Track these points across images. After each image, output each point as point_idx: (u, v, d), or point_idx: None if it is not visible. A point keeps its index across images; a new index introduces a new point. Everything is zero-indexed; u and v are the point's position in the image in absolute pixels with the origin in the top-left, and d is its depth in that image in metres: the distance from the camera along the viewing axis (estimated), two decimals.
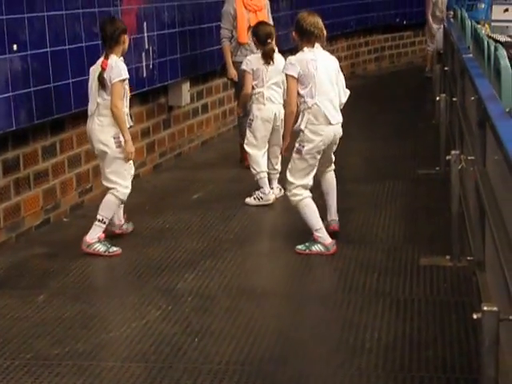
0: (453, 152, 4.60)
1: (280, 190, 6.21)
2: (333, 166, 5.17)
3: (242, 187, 6.41)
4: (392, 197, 6.14)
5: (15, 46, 5.00)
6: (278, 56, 6.07)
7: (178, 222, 5.64)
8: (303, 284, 4.42)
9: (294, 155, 4.86)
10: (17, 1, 5.03)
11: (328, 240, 4.90)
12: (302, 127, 4.78)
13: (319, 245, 4.88)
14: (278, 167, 6.18)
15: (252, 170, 6.07)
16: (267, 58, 6.00)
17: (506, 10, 9.18)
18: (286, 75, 4.82)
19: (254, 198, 6.03)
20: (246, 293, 4.29)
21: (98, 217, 4.93)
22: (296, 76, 4.75)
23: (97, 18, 5.93)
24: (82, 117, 5.97)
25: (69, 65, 5.58)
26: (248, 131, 6.10)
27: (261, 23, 6.31)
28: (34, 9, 5.20)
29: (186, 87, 7.51)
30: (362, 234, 5.24)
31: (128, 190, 5.01)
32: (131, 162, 5.03)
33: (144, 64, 6.65)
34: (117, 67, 4.82)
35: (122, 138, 4.89)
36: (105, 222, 4.94)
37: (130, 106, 6.60)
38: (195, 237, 5.31)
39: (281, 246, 5.20)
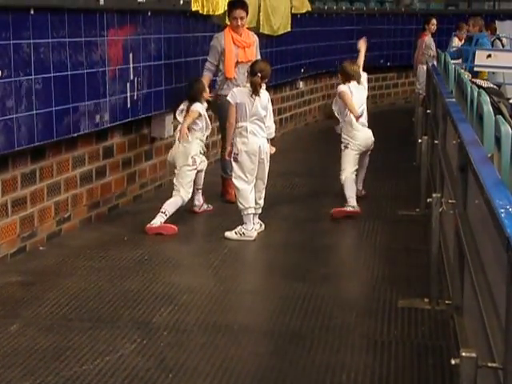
0: (434, 195, 4.60)
1: (261, 225, 6.18)
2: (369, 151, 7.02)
3: (222, 221, 6.39)
4: (372, 237, 6.14)
5: (0, 72, 4.98)
6: (263, 92, 6.08)
7: (156, 254, 5.60)
8: (281, 322, 4.37)
9: (344, 151, 6.75)
10: (3, 27, 5.02)
11: (355, 204, 6.63)
12: (343, 132, 6.79)
13: (349, 207, 6.57)
14: (261, 202, 6.15)
15: (239, 204, 6.00)
16: (253, 89, 5.99)
17: (489, 56, 9.29)
18: (341, 91, 6.79)
19: (236, 233, 5.97)
20: (223, 329, 4.24)
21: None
22: (347, 91, 6.75)
23: (83, 47, 5.94)
24: (64, 145, 5.97)
25: (53, 92, 5.57)
26: (235, 165, 6.05)
27: (260, 62, 6.22)
28: (21, 36, 5.19)
29: (169, 119, 7.50)
30: (340, 273, 5.22)
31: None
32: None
33: (128, 95, 6.65)
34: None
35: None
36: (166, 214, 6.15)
37: (112, 137, 6.68)
38: (173, 270, 5.26)
39: (260, 282, 5.16)
